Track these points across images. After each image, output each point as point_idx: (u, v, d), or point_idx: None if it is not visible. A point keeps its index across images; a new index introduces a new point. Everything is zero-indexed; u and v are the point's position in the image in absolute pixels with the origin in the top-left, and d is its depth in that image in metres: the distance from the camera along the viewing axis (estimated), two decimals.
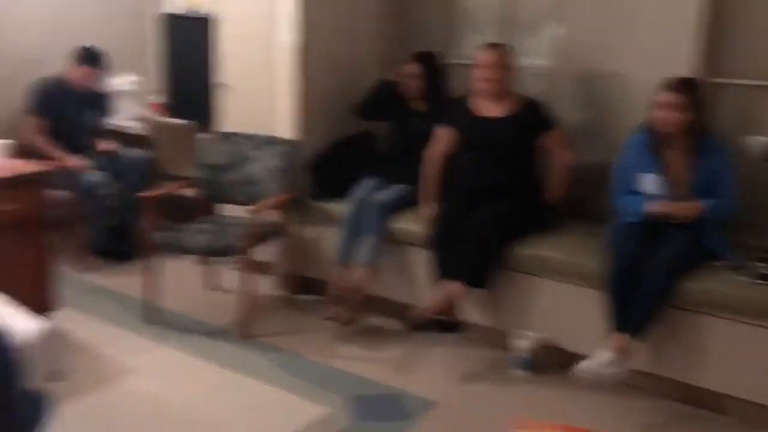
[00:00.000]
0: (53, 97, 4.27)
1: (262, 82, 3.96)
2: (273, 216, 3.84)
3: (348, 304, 3.53)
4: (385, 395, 3.05)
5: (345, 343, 3.50)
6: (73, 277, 4.10)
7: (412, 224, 3.56)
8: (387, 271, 3.62)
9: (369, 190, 3.65)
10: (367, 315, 3.68)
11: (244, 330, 3.49)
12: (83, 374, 3.00)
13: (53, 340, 2.24)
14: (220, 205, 4.09)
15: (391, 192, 3.64)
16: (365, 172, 3.83)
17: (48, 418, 2.13)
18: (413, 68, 3.77)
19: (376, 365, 3.28)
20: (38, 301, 3.36)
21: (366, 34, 4.17)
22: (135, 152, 4.53)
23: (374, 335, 3.60)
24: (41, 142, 4.20)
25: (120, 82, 4.80)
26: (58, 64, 4.37)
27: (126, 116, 4.83)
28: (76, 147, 4.34)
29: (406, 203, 3.64)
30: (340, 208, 3.76)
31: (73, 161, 4.21)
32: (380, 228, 3.52)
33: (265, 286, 4.00)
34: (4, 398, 1.97)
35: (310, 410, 2.89)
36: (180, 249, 3.50)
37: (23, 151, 4.06)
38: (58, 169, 4.00)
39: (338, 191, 3.87)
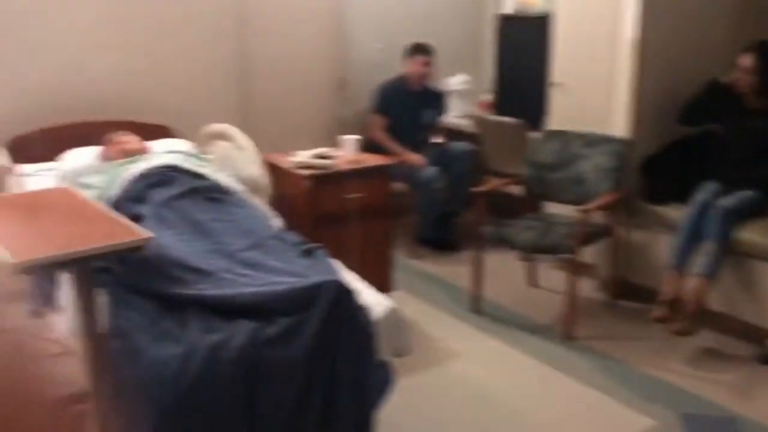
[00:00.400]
0: (394, 98, 4.64)
1: (597, 80, 3.87)
2: (600, 216, 3.75)
3: (681, 314, 3.31)
4: (720, 417, 2.81)
5: (675, 356, 3.29)
6: (404, 263, 4.43)
7: (760, 235, 3.22)
8: (727, 285, 3.33)
9: (711, 195, 3.38)
10: (702, 330, 3.42)
11: (566, 330, 3.46)
12: (416, 353, 3.21)
13: (398, 319, 2.44)
14: (545, 203, 4.11)
15: (737, 198, 3.33)
16: (704, 175, 3.56)
17: (390, 389, 2.34)
18: (747, 60, 3.40)
19: (710, 384, 3.05)
20: (379, 282, 3.70)
21: (713, 28, 3.87)
22: (460, 145, 4.73)
23: (709, 352, 3.34)
24: (384, 139, 4.59)
25: (454, 81, 5.05)
26: (398, 67, 4.74)
27: (456, 114, 5.08)
28: (413, 143, 4.68)
29: (754, 211, 3.31)
30: (674, 212, 3.55)
31: (413, 157, 4.53)
32: (723, 236, 3.23)
33: (587, 287, 3.94)
34: (367, 365, 2.21)
35: (636, 421, 2.78)
36: (507, 243, 3.58)
37: (369, 147, 4.51)
38: (398, 163, 4.35)
39: (672, 194, 3.67)
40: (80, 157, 3.26)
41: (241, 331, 2.06)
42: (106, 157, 3.23)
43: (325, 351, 2.11)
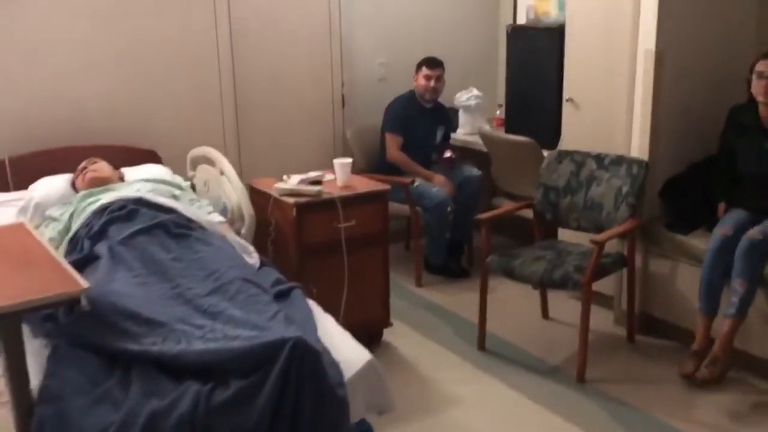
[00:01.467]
0: (407, 115, 4.37)
1: (614, 96, 3.57)
2: (617, 245, 3.44)
3: (711, 360, 2.98)
4: None
5: (702, 403, 2.96)
6: (409, 291, 4.15)
7: None
8: (764, 325, 2.99)
9: (735, 224, 3.04)
10: (735, 374, 3.09)
11: (579, 372, 3.15)
12: (409, 396, 2.94)
13: (377, 373, 2.17)
14: (558, 229, 3.81)
15: (765, 228, 2.97)
16: (729, 201, 3.24)
17: None
18: (767, 67, 3.04)
19: None
20: (374, 316, 3.45)
21: (736, 39, 3.55)
22: (471, 168, 4.46)
23: (743, 401, 2.98)
24: (403, 159, 4.32)
25: (465, 96, 4.78)
26: (406, 81, 4.48)
27: (467, 131, 4.80)
28: (426, 163, 4.41)
29: None
30: (698, 241, 3.22)
31: (438, 179, 4.26)
32: (753, 273, 2.88)
33: (604, 321, 3.63)
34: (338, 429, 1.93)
35: None
36: (515, 276, 3.28)
37: (385, 167, 4.27)
38: (404, 184, 4.09)
39: (695, 221, 3.34)
40: (48, 186, 3.05)
41: (186, 395, 1.81)
42: (77, 186, 3.02)
43: (285, 419, 1.84)
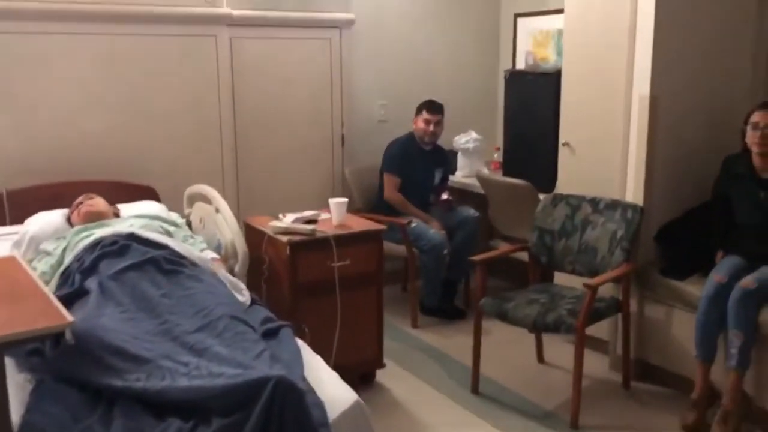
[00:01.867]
0: (405, 156, 4.40)
1: (609, 140, 3.59)
2: (612, 289, 3.43)
3: (722, 417, 2.90)
4: None
5: None
6: (404, 332, 4.13)
7: None
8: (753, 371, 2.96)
9: (730, 271, 3.03)
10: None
11: (573, 417, 3.11)
12: None
13: (363, 414, 2.14)
14: (554, 272, 3.80)
15: (759, 276, 2.94)
16: (725, 247, 3.23)
17: None
18: (762, 118, 3.07)
19: None
20: (366, 357, 3.42)
21: (731, 84, 3.59)
22: (468, 209, 4.47)
23: None
24: (399, 200, 4.34)
25: (464, 139, 4.81)
26: (405, 123, 4.53)
27: (464, 173, 4.83)
28: (422, 204, 4.42)
29: None
30: (693, 287, 3.20)
31: (434, 223, 4.27)
32: (748, 323, 2.84)
33: (600, 366, 3.60)
34: None
35: None
36: (508, 319, 3.26)
37: (382, 207, 4.28)
38: (399, 224, 4.09)
39: (690, 267, 3.33)
40: (44, 221, 3.06)
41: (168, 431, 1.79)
42: (72, 221, 3.03)
43: None
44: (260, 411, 1.80)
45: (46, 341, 2.09)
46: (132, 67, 3.77)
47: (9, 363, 2.05)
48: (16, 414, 1.91)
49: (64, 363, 2.04)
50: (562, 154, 3.89)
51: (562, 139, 3.88)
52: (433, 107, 4.40)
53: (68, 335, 1.93)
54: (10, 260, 2.46)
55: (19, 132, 3.53)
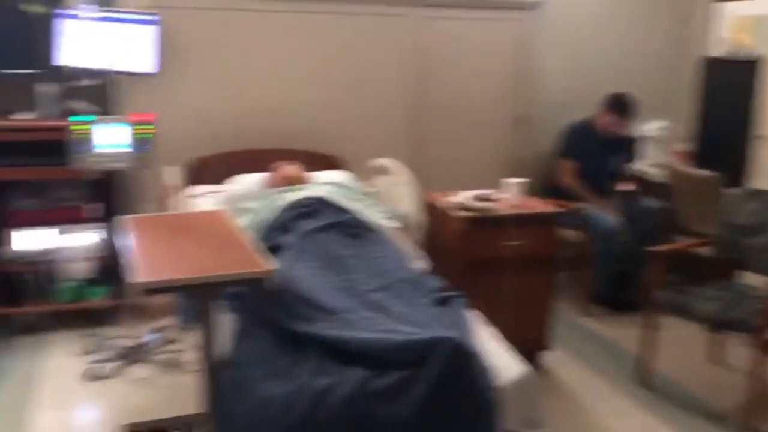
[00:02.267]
0: (581, 142, 4.34)
1: None
2: None
3: None
4: None
5: None
6: (570, 319, 4.10)
7: None
8: None
9: None
10: None
11: (747, 421, 2.97)
12: (564, 421, 2.93)
13: (530, 386, 2.20)
14: (739, 270, 3.60)
15: None
16: None
17: None
18: None
19: None
20: (534, 338, 3.44)
21: None
22: (651, 200, 4.32)
23: None
24: (576, 186, 4.30)
25: (649, 127, 4.65)
26: (586, 107, 4.45)
27: (649, 162, 4.67)
28: (597, 190, 4.35)
29: None
30: None
31: (606, 206, 4.20)
32: None
33: None
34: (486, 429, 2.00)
35: None
36: (684, 312, 3.16)
37: (555, 192, 4.27)
38: (575, 210, 4.05)
39: None
40: (245, 182, 3.37)
41: (349, 379, 1.96)
42: (269, 184, 3.31)
43: (437, 414, 1.93)
44: (434, 368, 1.91)
45: (248, 286, 2.33)
46: (328, 44, 4.03)
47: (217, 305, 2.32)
48: (221, 348, 2.16)
49: (262, 307, 2.26)
50: (757, 147, 3.67)
51: (757, 132, 3.66)
52: (627, 112, 4.25)
53: (270, 282, 2.14)
54: (220, 213, 2.75)
55: (233, 101, 3.93)
